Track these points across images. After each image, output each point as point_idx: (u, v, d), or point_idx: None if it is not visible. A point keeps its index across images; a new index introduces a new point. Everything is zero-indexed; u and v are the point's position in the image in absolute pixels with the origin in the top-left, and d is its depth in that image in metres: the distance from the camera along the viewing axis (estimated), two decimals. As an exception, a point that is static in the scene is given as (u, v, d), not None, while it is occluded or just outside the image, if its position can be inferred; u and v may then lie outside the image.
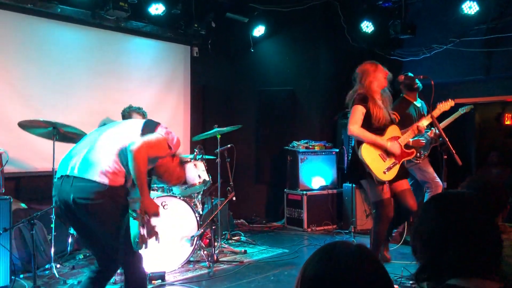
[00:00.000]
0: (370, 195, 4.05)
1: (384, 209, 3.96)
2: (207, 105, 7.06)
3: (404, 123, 5.27)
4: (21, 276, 4.10)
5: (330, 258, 1.05)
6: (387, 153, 3.99)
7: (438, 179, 5.19)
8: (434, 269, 1.25)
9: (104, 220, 2.64)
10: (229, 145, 5.40)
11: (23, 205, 4.73)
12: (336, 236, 5.81)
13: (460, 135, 5.55)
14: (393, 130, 4.10)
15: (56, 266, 4.23)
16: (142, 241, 2.65)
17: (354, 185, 6.15)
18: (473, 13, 6.13)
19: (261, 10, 6.64)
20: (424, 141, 5.18)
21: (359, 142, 3.98)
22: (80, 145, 2.85)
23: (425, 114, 5.35)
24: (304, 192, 6.34)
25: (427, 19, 6.81)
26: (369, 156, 3.93)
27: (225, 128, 5.13)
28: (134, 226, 2.66)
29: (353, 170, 4.11)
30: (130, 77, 6.05)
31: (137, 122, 2.97)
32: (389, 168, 3.97)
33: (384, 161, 3.98)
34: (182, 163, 3.23)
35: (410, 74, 5.16)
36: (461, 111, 5.24)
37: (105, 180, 2.62)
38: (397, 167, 4.02)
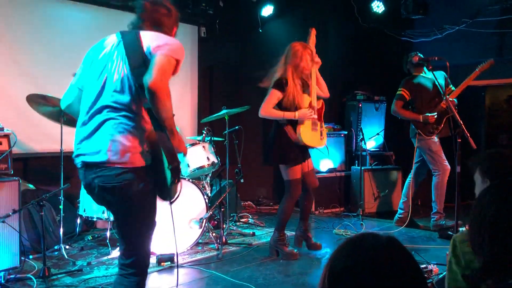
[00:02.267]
0: (284, 176, 4.17)
1: (294, 187, 4.12)
2: (214, 86, 6.98)
3: (417, 98, 5.21)
4: (31, 257, 4.11)
5: (359, 251, 1.00)
6: (312, 122, 4.15)
7: (446, 163, 5.15)
8: (498, 266, 1.19)
9: None
10: (237, 127, 5.35)
11: (31, 186, 4.73)
12: (344, 219, 5.79)
13: (469, 117, 5.46)
14: (306, 99, 4.15)
15: (65, 247, 4.24)
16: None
17: (362, 168, 6.12)
18: (487, -8, 5.98)
19: (270, -11, 6.51)
20: (435, 116, 5.11)
21: (278, 125, 4.16)
22: None
23: (443, 85, 5.15)
24: (312, 175, 6.30)
25: (439, -1, 6.66)
26: (306, 135, 4.09)
27: (233, 109, 5.07)
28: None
29: (269, 153, 4.22)
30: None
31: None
32: (321, 133, 4.22)
33: (316, 131, 4.18)
34: None
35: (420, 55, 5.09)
36: (478, 69, 5.15)
37: None
38: (324, 126, 4.29)
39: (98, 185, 2.23)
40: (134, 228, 2.30)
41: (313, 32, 4.34)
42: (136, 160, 2.21)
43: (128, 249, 2.30)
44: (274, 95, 4.08)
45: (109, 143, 2.19)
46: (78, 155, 2.31)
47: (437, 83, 4.63)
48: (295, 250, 4.23)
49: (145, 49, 2.23)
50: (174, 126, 2.22)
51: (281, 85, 4.07)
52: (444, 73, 5.12)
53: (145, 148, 2.25)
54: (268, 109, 4.09)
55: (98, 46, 2.44)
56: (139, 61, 2.22)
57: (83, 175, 2.31)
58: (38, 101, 4.07)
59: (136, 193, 2.21)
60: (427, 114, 5.12)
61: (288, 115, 4.05)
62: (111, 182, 2.19)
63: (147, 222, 2.35)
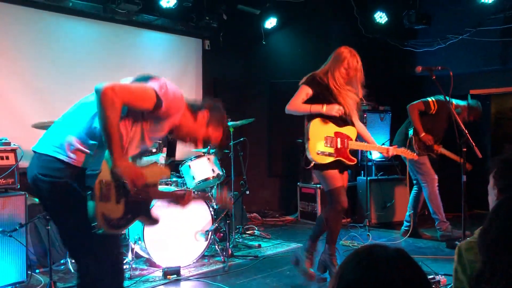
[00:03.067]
0: (323, 185, 3.87)
1: (337, 197, 3.73)
2: (219, 98, 7.00)
3: (436, 117, 5.24)
4: (37, 271, 4.11)
5: (368, 263, 1.00)
6: (333, 142, 3.75)
7: (433, 172, 5.20)
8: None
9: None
10: (242, 139, 5.36)
11: (37, 200, 4.74)
12: (350, 230, 5.76)
13: (475, 126, 5.46)
14: (348, 131, 3.87)
15: (71, 261, 4.23)
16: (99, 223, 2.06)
17: (368, 178, 6.10)
18: (490, 1, 6.01)
19: (273, 2, 6.56)
20: (431, 142, 5.17)
21: (309, 119, 3.78)
22: None
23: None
24: (318, 186, 6.28)
25: (442, 9, 6.69)
26: (315, 131, 3.73)
27: (238, 122, 5.08)
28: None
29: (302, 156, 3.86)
30: (142, 70, 5.90)
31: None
32: (324, 153, 3.73)
33: (325, 146, 3.75)
34: (215, 121, 2.57)
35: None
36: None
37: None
38: (331, 159, 3.74)
39: None
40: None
41: (413, 155, 4.30)
42: None
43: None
44: (303, 91, 3.77)
45: None
46: None
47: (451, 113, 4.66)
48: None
49: None
50: (110, 140, 2.04)
51: (311, 81, 3.78)
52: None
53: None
54: (294, 104, 3.77)
55: None
56: None
57: None
58: (43, 126, 4.08)
59: None
60: (430, 136, 5.17)
61: (315, 108, 3.71)
62: None
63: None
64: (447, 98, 4.02)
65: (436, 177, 5.21)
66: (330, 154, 3.75)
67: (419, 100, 5.30)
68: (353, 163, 3.87)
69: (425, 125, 5.22)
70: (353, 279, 0.99)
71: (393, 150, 3.99)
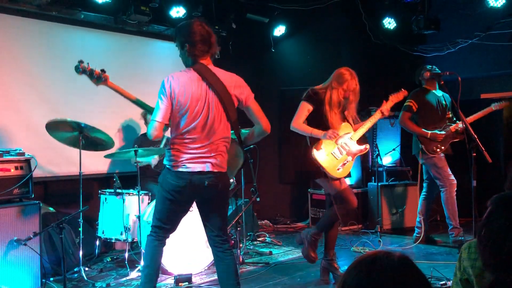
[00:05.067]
0: (329, 190, 4.04)
1: (346, 197, 3.95)
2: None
3: (422, 111, 5.20)
4: (51, 279, 4.16)
5: (371, 270, 1.01)
6: (339, 150, 3.97)
7: (452, 177, 5.11)
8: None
9: None
10: (251, 146, 5.38)
11: (51, 209, 4.82)
12: (362, 236, 5.74)
13: (487, 131, 5.42)
14: (344, 128, 4.04)
15: (84, 269, 4.29)
16: None
17: (379, 184, 6.09)
18: (499, 5, 5.98)
19: (281, 10, 6.60)
20: (442, 134, 5.09)
21: (311, 142, 3.99)
22: None
23: (448, 105, 5.26)
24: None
25: (451, 13, 6.68)
26: (321, 155, 3.93)
27: (247, 129, 5.10)
28: None
29: (307, 169, 4.08)
30: (153, 80, 6.06)
31: None
32: (343, 165, 3.95)
33: (337, 159, 3.95)
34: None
35: (437, 70, 5.09)
36: (493, 107, 5.11)
37: None
38: (351, 163, 4.00)
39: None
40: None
41: (402, 93, 4.38)
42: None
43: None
44: (304, 107, 3.97)
45: None
46: None
47: (443, 102, 4.62)
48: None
49: None
50: None
51: (310, 97, 3.96)
52: (450, 98, 5.14)
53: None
54: (298, 123, 3.97)
55: None
56: None
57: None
58: (56, 127, 4.17)
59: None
60: (436, 131, 5.11)
61: (316, 133, 3.91)
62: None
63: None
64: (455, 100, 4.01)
65: (455, 182, 5.11)
66: (347, 161, 3.97)
67: (401, 111, 5.29)
68: (366, 150, 4.08)
69: (423, 124, 5.18)
70: (356, 286, 1.00)
71: (385, 106, 4.25)
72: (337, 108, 3.99)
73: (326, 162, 3.92)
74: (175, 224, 3.09)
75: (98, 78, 2.94)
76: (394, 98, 4.32)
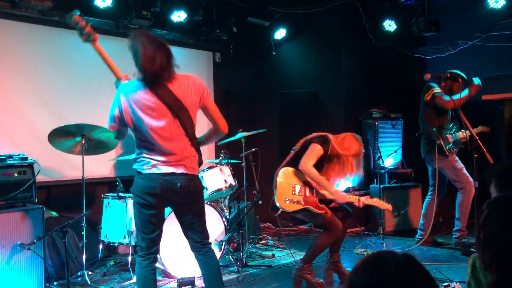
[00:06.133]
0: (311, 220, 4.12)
1: (332, 223, 3.91)
2: (230, 109, 7.08)
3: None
4: (55, 283, 4.17)
5: (377, 269, 1.02)
6: (304, 190, 3.90)
7: (471, 179, 5.03)
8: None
9: None
10: (253, 149, 5.40)
11: (54, 214, 4.83)
12: (364, 238, 5.74)
13: (488, 132, 5.42)
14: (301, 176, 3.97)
15: (88, 273, 4.30)
16: None
17: (381, 186, 6.09)
18: (499, 7, 6.00)
19: (282, 13, 6.63)
20: (452, 138, 5.08)
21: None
22: None
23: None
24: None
25: (451, 15, 6.70)
26: (284, 178, 3.90)
27: (249, 133, 5.13)
28: None
29: None
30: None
31: None
32: (291, 201, 3.85)
33: (293, 193, 3.88)
34: None
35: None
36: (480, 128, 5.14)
37: None
38: (299, 207, 3.86)
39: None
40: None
41: None
42: None
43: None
44: (316, 150, 3.88)
45: None
46: None
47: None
48: (321, 280, 4.03)
49: None
50: None
51: (324, 142, 3.90)
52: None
53: None
54: (307, 165, 3.83)
55: None
56: None
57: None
58: (58, 135, 4.18)
59: None
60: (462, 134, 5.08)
61: (326, 186, 3.84)
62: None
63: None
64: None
65: (473, 185, 4.91)
66: (298, 202, 3.87)
67: (438, 96, 5.09)
68: (323, 212, 3.89)
69: (436, 123, 5.13)
70: (362, 285, 1.01)
71: (365, 200, 4.13)
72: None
73: (281, 187, 3.87)
74: (156, 232, 2.96)
75: (88, 35, 2.87)
76: (375, 202, 4.36)
